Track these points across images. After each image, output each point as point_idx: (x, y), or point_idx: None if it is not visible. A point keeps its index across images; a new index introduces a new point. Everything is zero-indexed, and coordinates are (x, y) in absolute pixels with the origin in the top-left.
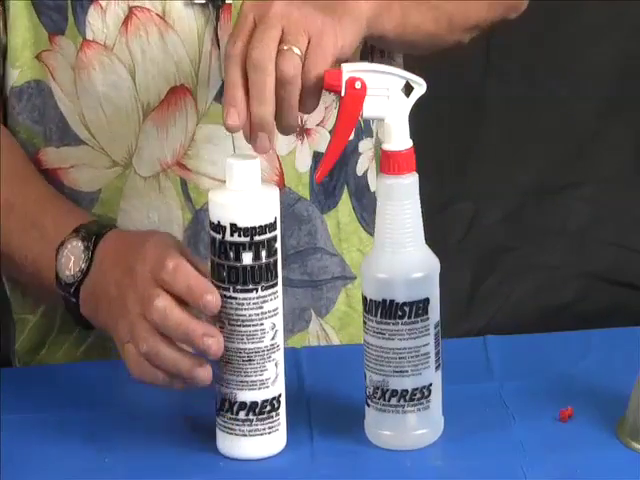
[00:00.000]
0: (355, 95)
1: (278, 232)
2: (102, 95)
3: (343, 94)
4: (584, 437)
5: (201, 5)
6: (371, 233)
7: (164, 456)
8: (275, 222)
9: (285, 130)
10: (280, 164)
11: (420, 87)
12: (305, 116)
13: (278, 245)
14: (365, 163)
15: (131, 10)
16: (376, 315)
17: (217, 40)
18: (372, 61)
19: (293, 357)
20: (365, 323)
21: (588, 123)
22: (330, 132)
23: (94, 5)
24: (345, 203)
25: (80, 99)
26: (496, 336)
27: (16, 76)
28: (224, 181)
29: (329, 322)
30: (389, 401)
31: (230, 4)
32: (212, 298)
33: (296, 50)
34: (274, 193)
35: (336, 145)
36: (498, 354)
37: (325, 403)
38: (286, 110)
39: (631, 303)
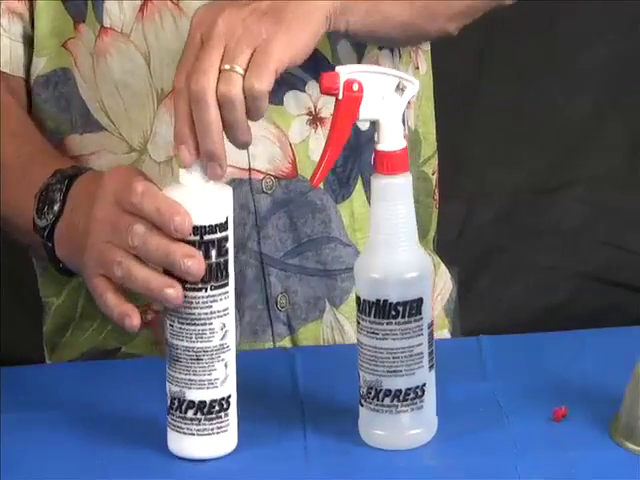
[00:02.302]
0: (353, 97)
1: (230, 232)
2: (119, 81)
3: (340, 97)
4: (578, 437)
5: None
6: None
7: (154, 456)
8: (226, 222)
9: (241, 146)
10: (293, 152)
11: (413, 86)
12: (320, 104)
13: (230, 245)
14: None
15: None
16: (369, 315)
17: None
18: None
19: (287, 357)
20: (359, 323)
21: (581, 123)
22: None
23: None
24: (360, 193)
25: (99, 86)
26: (490, 336)
27: (42, 65)
28: (234, 166)
29: (343, 312)
30: (383, 401)
31: None
32: (181, 219)
33: (237, 68)
34: (227, 193)
35: (333, 149)
36: (492, 354)
37: (319, 403)
38: (235, 130)
39: (625, 303)
